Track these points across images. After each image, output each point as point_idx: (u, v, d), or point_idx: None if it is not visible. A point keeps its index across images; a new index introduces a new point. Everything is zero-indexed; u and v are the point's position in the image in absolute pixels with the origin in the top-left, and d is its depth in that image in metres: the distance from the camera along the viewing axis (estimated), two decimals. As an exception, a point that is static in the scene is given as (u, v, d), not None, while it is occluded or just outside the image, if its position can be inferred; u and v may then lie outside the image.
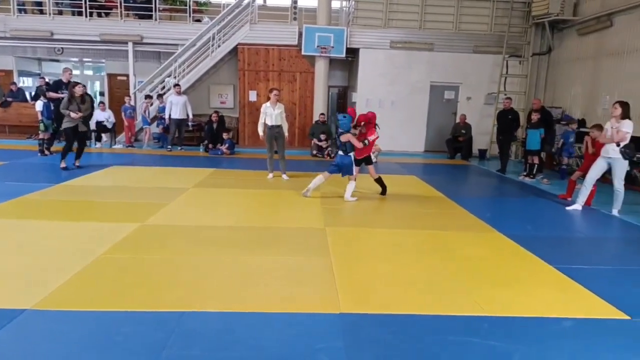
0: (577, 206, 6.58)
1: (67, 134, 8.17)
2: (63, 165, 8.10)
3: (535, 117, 8.93)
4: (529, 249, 4.64)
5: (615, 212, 6.40)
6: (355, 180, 6.74)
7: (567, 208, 6.64)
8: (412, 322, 3.04)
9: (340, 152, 6.55)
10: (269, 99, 8.07)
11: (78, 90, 8.09)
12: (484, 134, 12.91)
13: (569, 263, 4.29)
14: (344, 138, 6.45)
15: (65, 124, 8.10)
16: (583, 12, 11.18)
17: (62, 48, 13.66)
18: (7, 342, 2.64)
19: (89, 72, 16.34)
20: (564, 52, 12.04)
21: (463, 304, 3.34)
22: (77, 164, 8.35)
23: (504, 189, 8.44)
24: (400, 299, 3.40)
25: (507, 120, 10.04)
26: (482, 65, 12.89)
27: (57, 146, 10.60)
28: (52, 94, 9.87)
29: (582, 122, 10.81)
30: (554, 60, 12.46)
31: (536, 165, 9.16)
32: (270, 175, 8.19)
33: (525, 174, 9.37)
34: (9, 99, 12.45)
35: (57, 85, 10.21)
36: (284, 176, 8.18)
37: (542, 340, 2.87)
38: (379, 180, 7.16)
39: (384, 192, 7.16)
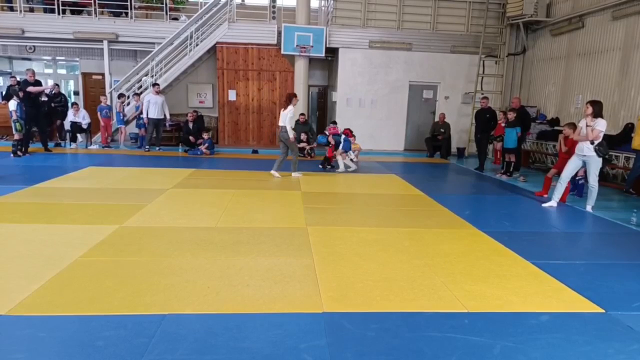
0: (553, 203, 6.76)
1: None
2: None
3: (511, 115, 9.12)
4: (507, 245, 4.74)
5: (589, 208, 6.59)
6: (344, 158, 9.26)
7: (543, 205, 6.81)
8: (393, 319, 3.07)
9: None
10: (286, 104, 8.29)
11: None
12: (462, 133, 13.13)
13: (545, 258, 4.40)
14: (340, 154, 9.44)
15: None
16: (555, 13, 11.47)
17: (33, 46, 13.28)
18: (-20, 350, 2.56)
19: (63, 71, 15.92)
20: (537, 52, 12.34)
21: (443, 301, 3.39)
22: None
23: (482, 187, 8.60)
24: (382, 296, 3.43)
25: (484, 119, 10.23)
26: (460, 65, 13.10)
27: (33, 147, 10.35)
28: (33, 88, 9.57)
29: (555, 121, 11.10)
30: (529, 60, 12.75)
31: (513, 163, 9.36)
32: (299, 174, 8.57)
33: (502, 171, 9.56)
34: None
35: (25, 86, 9.92)
36: (277, 174, 8.53)
37: (520, 334, 2.94)
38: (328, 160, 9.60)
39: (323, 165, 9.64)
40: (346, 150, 9.42)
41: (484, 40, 12.76)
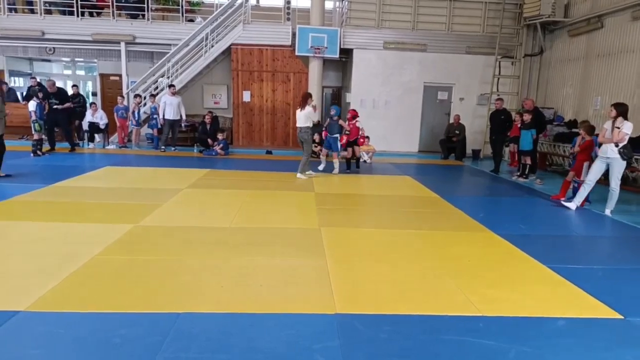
0: (572, 205, 6.64)
1: (2, 141, 7.42)
2: (3, 174, 7.34)
3: (527, 117, 9.00)
4: (522, 249, 4.68)
5: (608, 212, 6.46)
6: (337, 159, 9.07)
7: (563, 202, 6.70)
8: (406, 322, 3.06)
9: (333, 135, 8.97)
10: (305, 102, 8.28)
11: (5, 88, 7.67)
12: (477, 134, 13.00)
13: (562, 262, 4.33)
14: (335, 120, 8.99)
15: (1, 130, 7.39)
16: (574, 13, 11.29)
17: (53, 48, 13.55)
18: (0, 344, 2.61)
19: (81, 72, 16.21)
20: (555, 53, 12.15)
21: (457, 304, 3.36)
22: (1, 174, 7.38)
23: (497, 189, 8.50)
24: (395, 298, 3.42)
25: (499, 121, 10.11)
26: (475, 66, 12.97)
27: (59, 146, 10.59)
28: (62, 106, 10.00)
29: (573, 123, 10.92)
30: (546, 61, 12.57)
31: (528, 166, 9.23)
32: (304, 176, 8.44)
33: (518, 174, 9.44)
34: None
35: (46, 96, 10.22)
36: (312, 172, 8.72)
37: (536, 339, 2.90)
38: (350, 160, 9.44)
39: (348, 167, 9.42)
40: (334, 150, 9.13)
41: (500, 41, 12.62)
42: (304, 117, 8.25)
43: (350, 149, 9.43)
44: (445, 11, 12.78)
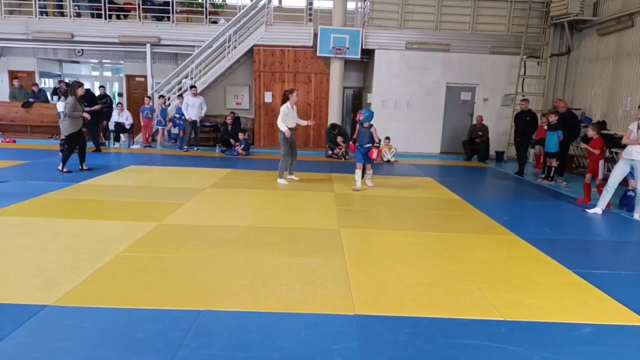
0: (598, 210, 6.47)
1: (72, 139, 7.93)
2: (66, 169, 7.89)
3: (553, 118, 8.80)
4: (547, 253, 4.58)
5: (637, 215, 6.27)
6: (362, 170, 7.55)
7: (587, 211, 6.53)
8: (427, 325, 3.03)
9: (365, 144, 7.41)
10: (284, 100, 7.68)
11: (81, 92, 8.07)
12: (501, 136, 12.77)
13: (589, 267, 4.22)
14: (366, 127, 7.37)
15: (70, 129, 7.86)
16: (603, 12, 10.98)
17: (82, 50, 13.96)
18: (28, 337, 2.70)
19: (108, 74, 16.62)
20: (583, 52, 11.84)
21: (479, 308, 3.31)
22: (84, 167, 8.17)
23: (522, 192, 8.33)
24: (415, 301, 3.39)
25: (524, 122, 9.92)
26: (499, 66, 12.75)
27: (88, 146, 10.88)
28: (90, 109, 10.19)
29: (602, 124, 10.61)
30: (574, 60, 12.26)
31: (554, 168, 9.02)
32: (285, 181, 7.75)
33: (543, 176, 9.23)
34: (31, 100, 12.73)
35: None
36: (294, 177, 8.06)
37: (560, 346, 2.83)
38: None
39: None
40: (366, 163, 7.62)
41: (526, 41, 12.36)
42: (280, 116, 7.59)
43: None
44: (470, 11, 12.60)
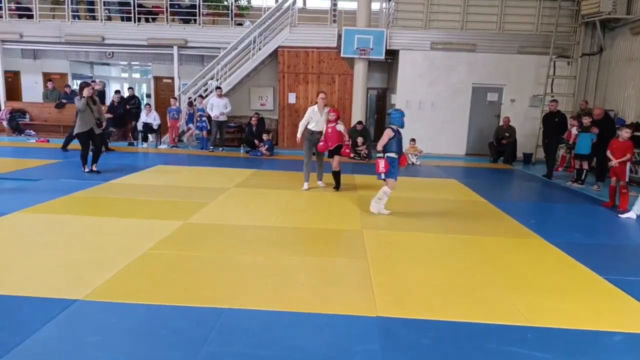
0: (632, 214, 6.25)
1: (82, 138, 7.85)
2: (86, 169, 7.91)
3: (587, 120, 8.54)
4: (576, 258, 4.45)
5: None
6: (389, 188, 5.89)
7: (621, 216, 6.32)
8: (450, 329, 2.99)
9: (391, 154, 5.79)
10: (314, 102, 7.45)
11: (87, 92, 7.82)
12: (529, 137, 12.48)
13: (621, 274, 4.08)
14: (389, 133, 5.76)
15: (79, 128, 7.81)
16: (637, 10, 10.59)
17: (112, 52, 14.36)
18: (60, 330, 2.80)
19: (137, 75, 17.04)
20: (616, 52, 11.45)
21: (504, 312, 3.24)
22: (94, 168, 7.93)
23: (550, 195, 8.12)
24: (438, 304, 3.35)
25: (553, 124, 9.66)
26: (527, 66, 12.46)
27: (112, 146, 11.18)
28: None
29: (636, 126, 10.25)
30: (605, 60, 11.87)
31: (585, 171, 8.76)
32: (306, 185, 7.37)
33: (573, 179, 8.98)
34: (64, 101, 13.15)
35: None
36: (321, 183, 7.64)
37: (590, 354, 2.75)
38: (337, 175, 7.18)
39: (337, 187, 7.26)
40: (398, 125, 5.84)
41: (555, 40, 12.04)
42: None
43: (333, 160, 7.21)
44: (497, 10, 12.36)
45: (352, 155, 11.45)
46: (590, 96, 12.01)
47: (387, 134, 5.76)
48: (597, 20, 11.31)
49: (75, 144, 11.20)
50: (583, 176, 8.76)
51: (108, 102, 12.60)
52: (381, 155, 5.74)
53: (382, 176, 5.80)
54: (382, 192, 5.93)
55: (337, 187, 7.28)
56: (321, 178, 7.69)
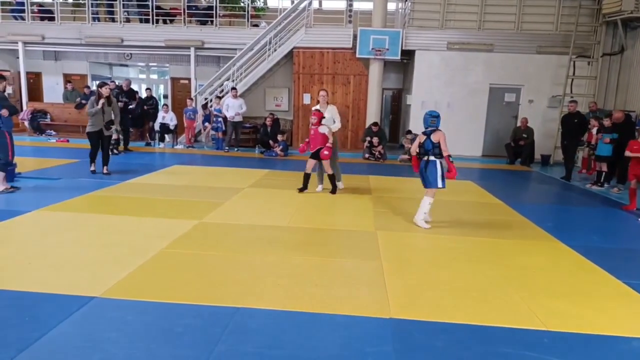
0: (653, 217, 6.12)
1: (92, 138, 7.85)
2: (92, 168, 7.91)
3: (608, 122, 8.37)
4: (595, 261, 4.36)
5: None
6: (431, 197, 5.43)
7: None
8: (464, 331, 2.96)
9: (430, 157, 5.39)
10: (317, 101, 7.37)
11: (104, 91, 7.79)
12: (547, 139, 12.28)
13: (641, 278, 3.99)
14: (435, 137, 5.39)
15: (89, 128, 7.82)
16: (661, 8, 10.34)
17: (130, 54, 14.59)
18: (77, 327, 2.86)
19: (155, 76, 17.28)
20: (638, 52, 11.18)
21: (520, 316, 3.20)
22: (105, 170, 7.88)
23: (569, 197, 7.98)
24: (453, 306, 3.32)
25: (573, 125, 9.49)
26: (546, 66, 12.26)
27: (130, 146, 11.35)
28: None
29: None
30: (627, 60, 11.61)
31: (604, 173, 8.58)
32: (320, 187, 7.24)
33: (593, 182, 8.80)
34: (84, 102, 13.39)
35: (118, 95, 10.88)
36: (319, 188, 7.24)
37: (607, 360, 2.70)
38: (331, 178, 6.99)
39: (333, 191, 7.03)
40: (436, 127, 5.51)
41: (575, 40, 11.82)
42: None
43: (314, 162, 7.01)
44: (515, 9, 12.19)
45: (366, 155, 11.50)
46: (611, 97, 11.76)
47: (443, 135, 5.41)
48: (618, 20, 11.07)
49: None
50: (602, 178, 8.59)
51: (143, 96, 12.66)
52: (451, 159, 5.30)
53: (443, 184, 5.31)
54: (427, 204, 5.43)
55: (333, 191, 7.05)
56: (321, 182, 7.31)
